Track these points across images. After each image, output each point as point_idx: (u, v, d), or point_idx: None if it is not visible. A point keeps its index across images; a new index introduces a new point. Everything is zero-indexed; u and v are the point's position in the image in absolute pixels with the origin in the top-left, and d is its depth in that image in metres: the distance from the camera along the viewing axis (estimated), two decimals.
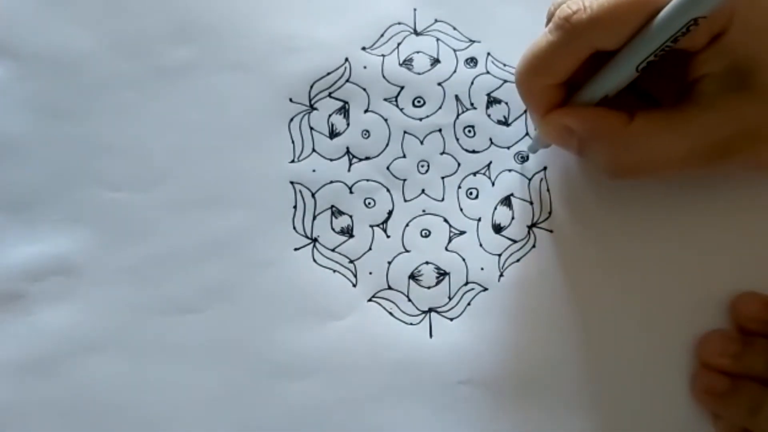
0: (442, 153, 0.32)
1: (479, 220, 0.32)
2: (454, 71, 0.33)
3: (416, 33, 0.33)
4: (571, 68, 0.27)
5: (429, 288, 0.32)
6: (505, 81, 0.33)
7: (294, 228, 0.32)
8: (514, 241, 0.32)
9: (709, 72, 0.27)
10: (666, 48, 0.26)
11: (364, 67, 0.33)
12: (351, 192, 0.32)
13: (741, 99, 0.27)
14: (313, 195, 0.32)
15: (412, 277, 0.32)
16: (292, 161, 0.32)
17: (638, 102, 0.30)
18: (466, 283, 0.32)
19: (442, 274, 0.32)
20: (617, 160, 0.28)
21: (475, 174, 0.32)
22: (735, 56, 0.27)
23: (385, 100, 0.33)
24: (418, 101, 0.33)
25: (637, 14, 0.26)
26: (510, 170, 0.33)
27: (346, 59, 0.33)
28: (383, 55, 0.33)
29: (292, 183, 0.32)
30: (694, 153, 0.28)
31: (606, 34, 0.26)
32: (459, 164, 0.32)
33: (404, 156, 0.32)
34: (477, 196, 0.32)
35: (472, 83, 0.33)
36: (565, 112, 0.28)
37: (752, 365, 0.30)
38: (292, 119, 0.32)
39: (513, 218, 0.32)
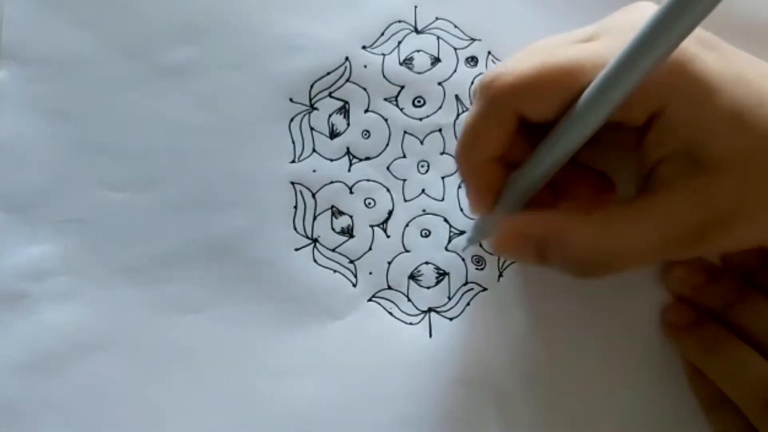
0: (442, 153, 0.33)
1: None
2: (455, 70, 0.33)
3: (417, 31, 0.33)
4: (503, 139, 0.26)
5: (429, 288, 0.32)
6: None
7: (294, 228, 0.32)
8: None
9: (664, 155, 0.26)
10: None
11: (365, 66, 0.33)
12: (351, 192, 0.32)
13: (703, 180, 0.25)
14: (313, 195, 0.32)
15: (412, 277, 0.32)
16: (293, 161, 0.32)
17: (592, 189, 0.28)
18: (466, 283, 0.32)
19: (441, 274, 0.32)
20: (581, 261, 0.26)
21: None
22: (682, 133, 0.25)
23: (386, 99, 0.33)
24: (419, 101, 0.33)
25: (562, 86, 0.24)
26: None
27: (347, 58, 0.32)
28: (383, 54, 0.33)
29: (292, 183, 0.32)
30: (663, 244, 0.25)
31: (530, 101, 0.25)
32: None
33: (404, 156, 0.32)
34: None
35: (472, 83, 0.33)
36: (517, 219, 0.27)
37: (712, 300, 0.30)
38: (292, 119, 0.32)
39: None
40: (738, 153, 0.25)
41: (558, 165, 0.26)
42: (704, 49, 0.25)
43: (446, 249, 0.32)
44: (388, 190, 0.32)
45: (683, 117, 0.25)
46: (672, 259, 0.28)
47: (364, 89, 0.32)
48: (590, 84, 0.24)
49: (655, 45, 0.22)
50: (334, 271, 0.32)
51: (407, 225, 0.32)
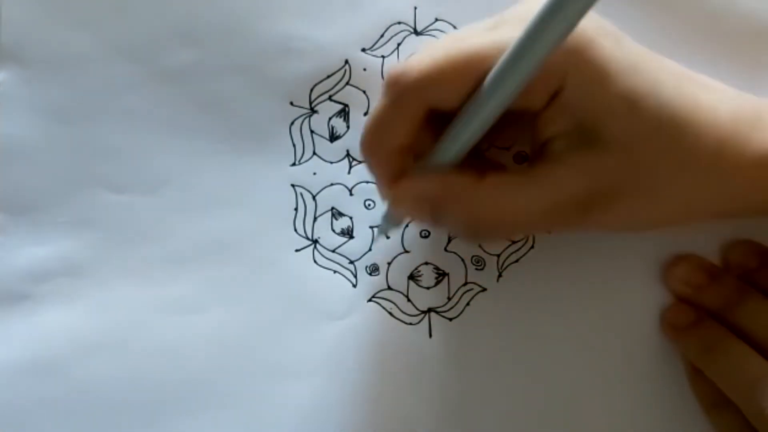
0: None
1: None
2: None
3: (416, 33, 0.33)
4: (410, 129, 0.26)
5: (428, 288, 0.32)
6: None
7: (295, 230, 0.32)
8: (513, 242, 0.32)
9: (556, 132, 0.26)
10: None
11: (364, 69, 0.33)
12: (351, 194, 0.32)
13: (591, 155, 0.26)
14: (313, 197, 0.32)
15: (412, 277, 0.32)
16: (293, 164, 0.32)
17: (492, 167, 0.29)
18: (465, 284, 0.32)
19: (441, 275, 0.32)
20: (472, 222, 0.27)
21: None
22: (575, 113, 0.26)
23: None
24: None
25: (466, 74, 0.25)
26: None
27: (346, 61, 0.33)
28: (383, 56, 0.33)
29: (293, 186, 0.32)
30: (550, 211, 0.27)
31: (435, 94, 0.25)
32: None
33: None
34: None
35: None
36: (414, 178, 0.27)
37: (712, 300, 0.31)
38: (293, 123, 0.33)
39: None
40: (627, 135, 0.26)
41: (464, 151, 0.26)
42: (603, 36, 0.25)
43: (446, 249, 0.32)
44: None
45: (578, 98, 0.26)
46: (556, 231, 0.28)
47: (364, 92, 0.33)
48: (490, 71, 0.24)
49: (547, 31, 0.22)
50: (334, 271, 0.32)
51: (406, 225, 0.32)
